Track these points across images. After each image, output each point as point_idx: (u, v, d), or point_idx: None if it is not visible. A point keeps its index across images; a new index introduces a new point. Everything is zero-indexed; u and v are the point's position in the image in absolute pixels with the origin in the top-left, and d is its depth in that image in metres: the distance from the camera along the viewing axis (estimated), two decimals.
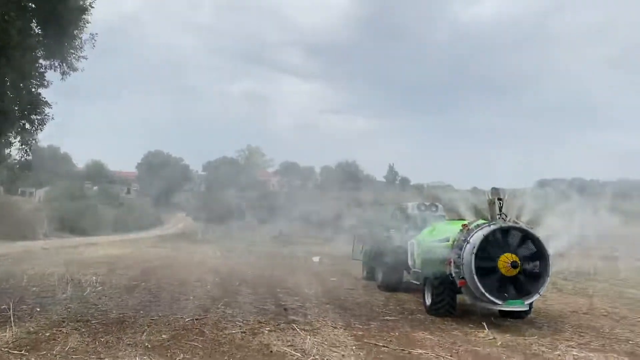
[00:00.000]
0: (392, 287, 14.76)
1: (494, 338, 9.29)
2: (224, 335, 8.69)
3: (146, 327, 8.96)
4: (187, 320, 9.72)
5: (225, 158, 69.63)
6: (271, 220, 45.40)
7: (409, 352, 8.14)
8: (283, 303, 12.17)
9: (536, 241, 10.48)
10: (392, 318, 11.04)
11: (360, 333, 9.37)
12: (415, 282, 13.27)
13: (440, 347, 8.56)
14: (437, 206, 15.31)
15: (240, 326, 9.41)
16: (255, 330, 9.12)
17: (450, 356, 7.99)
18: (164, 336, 8.42)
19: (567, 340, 9.35)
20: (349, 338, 8.92)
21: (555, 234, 11.32)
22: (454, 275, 10.78)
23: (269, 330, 9.17)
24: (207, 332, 8.88)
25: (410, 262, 13.43)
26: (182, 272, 17.97)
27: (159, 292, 13.19)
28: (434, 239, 12.10)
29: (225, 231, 42.71)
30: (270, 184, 70.03)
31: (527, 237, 10.50)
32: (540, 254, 10.44)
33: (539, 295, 10.45)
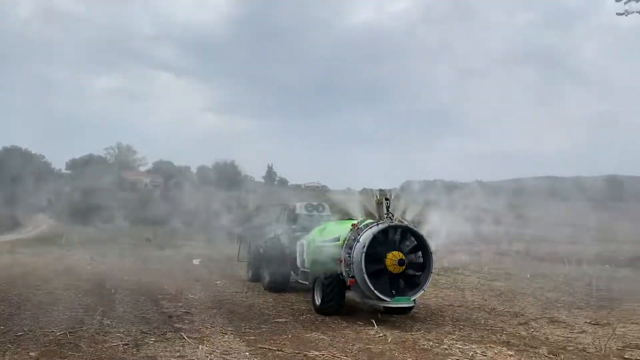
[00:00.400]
0: (279, 288, 14.59)
1: (384, 335, 9.48)
2: (103, 349, 7.92)
3: (9, 345, 7.91)
4: (58, 334, 8.77)
5: (92, 156, 65.41)
6: (144, 222, 43.24)
7: (305, 355, 7.99)
8: (166, 310, 11.48)
9: (420, 239, 10.93)
10: (283, 320, 10.88)
11: (252, 338, 9.07)
12: (304, 282, 13.23)
13: (334, 347, 8.53)
14: (324, 206, 15.44)
15: (121, 338, 8.67)
16: (139, 342, 8.44)
17: (346, 356, 7.98)
18: (31, 354, 7.49)
19: (450, 334, 9.81)
20: (241, 344, 8.58)
21: (433, 232, 11.97)
22: (344, 274, 10.89)
23: (155, 341, 8.54)
24: (84, 346, 8.04)
25: (299, 262, 13.36)
26: (47, 279, 16.32)
27: (22, 303, 11.81)
28: (325, 239, 12.14)
29: (93, 234, 39.76)
30: (143, 183, 66.74)
31: (412, 235, 10.93)
32: (424, 251, 10.92)
33: (423, 291, 10.89)
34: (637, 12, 24.39)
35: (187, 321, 10.36)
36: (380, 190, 11.39)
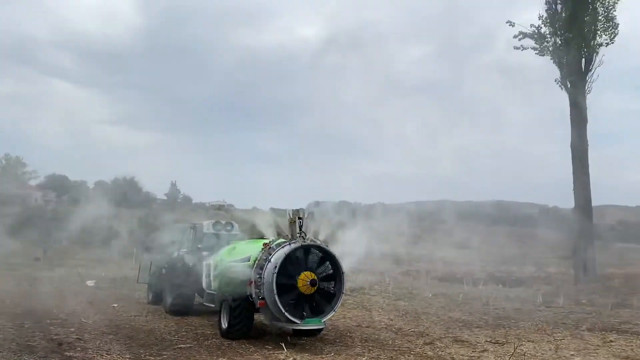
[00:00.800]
0: (182, 311, 13.84)
1: (294, 359, 9.20)
2: None
3: None
4: None
5: None
6: (33, 240, 39.81)
7: None
8: (56, 337, 10.43)
9: (332, 259, 10.81)
10: (187, 346, 10.27)
11: None
12: (210, 305, 12.60)
13: None
14: (232, 225, 14.91)
15: None
16: None
17: None
18: None
19: (360, 356, 9.71)
20: None
21: (344, 252, 11.91)
22: (254, 296, 10.49)
23: None
24: None
25: (205, 284, 12.73)
26: None
27: None
28: (234, 259, 11.67)
29: None
30: (33, 198, 61.85)
31: (324, 255, 10.78)
32: (336, 271, 10.80)
33: (334, 312, 10.75)
34: (531, 47, 26.66)
35: (79, 348, 9.47)
36: (294, 209, 11.19)
